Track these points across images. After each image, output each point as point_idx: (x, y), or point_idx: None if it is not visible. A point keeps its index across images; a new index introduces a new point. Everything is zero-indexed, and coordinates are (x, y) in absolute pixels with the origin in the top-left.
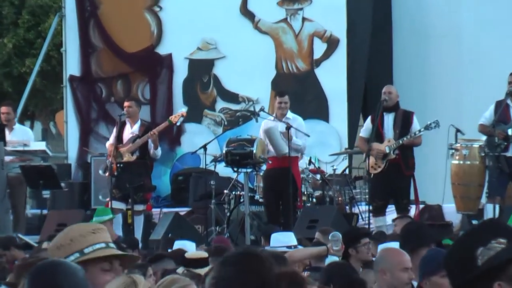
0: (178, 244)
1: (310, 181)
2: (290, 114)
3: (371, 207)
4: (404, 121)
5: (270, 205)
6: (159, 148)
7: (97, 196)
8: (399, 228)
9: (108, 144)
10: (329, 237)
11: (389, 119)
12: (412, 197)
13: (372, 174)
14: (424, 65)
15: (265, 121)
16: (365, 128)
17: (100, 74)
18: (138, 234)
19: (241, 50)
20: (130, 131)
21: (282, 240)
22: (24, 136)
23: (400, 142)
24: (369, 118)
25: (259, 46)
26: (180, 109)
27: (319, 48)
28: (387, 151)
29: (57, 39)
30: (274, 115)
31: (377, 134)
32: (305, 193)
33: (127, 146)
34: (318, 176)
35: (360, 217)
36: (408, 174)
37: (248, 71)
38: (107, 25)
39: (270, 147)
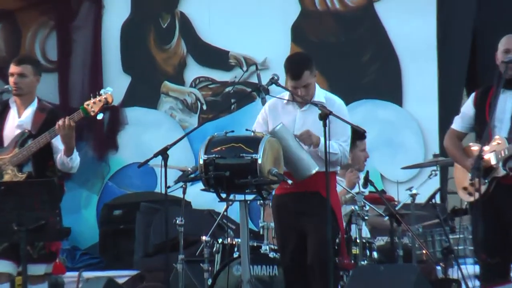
0: None
1: (367, 217)
2: (320, 93)
3: (479, 267)
4: None
5: (288, 260)
6: (75, 154)
7: None
8: None
9: None
10: None
11: (506, 102)
12: None
13: (468, 204)
14: None
15: (271, 104)
16: (463, 114)
17: None
18: None
19: None
20: (16, 122)
21: None
22: None
23: None
24: (472, 96)
25: None
26: (106, 88)
27: None
28: (493, 161)
29: None
30: (287, 96)
31: (482, 128)
32: (357, 240)
33: (10, 153)
34: (382, 209)
35: (464, 287)
36: None
37: (245, 7)
38: None
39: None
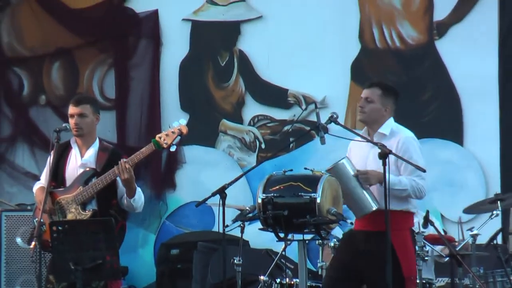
0: None
1: (427, 258)
2: (387, 126)
3: None
4: None
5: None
6: (138, 194)
7: None
8: None
9: (36, 187)
10: None
11: None
12: None
13: None
14: None
15: (355, 145)
16: None
17: (18, 49)
18: None
19: (292, 7)
20: (79, 162)
21: None
22: None
23: None
24: None
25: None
26: (177, 121)
27: (445, 2)
28: None
29: None
30: (364, 131)
31: None
32: (417, 281)
33: (73, 192)
34: (442, 249)
35: None
36: None
37: (305, 45)
38: None
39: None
